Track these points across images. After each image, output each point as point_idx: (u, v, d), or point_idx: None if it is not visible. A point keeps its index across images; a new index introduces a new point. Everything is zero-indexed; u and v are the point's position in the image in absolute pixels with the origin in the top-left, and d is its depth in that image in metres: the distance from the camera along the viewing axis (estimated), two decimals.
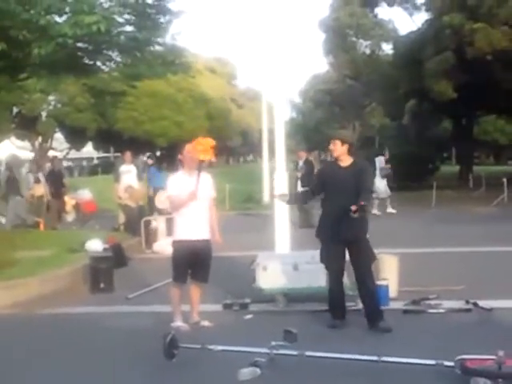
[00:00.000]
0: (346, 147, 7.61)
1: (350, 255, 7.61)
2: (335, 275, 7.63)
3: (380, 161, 22.02)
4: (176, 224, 7.91)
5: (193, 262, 7.79)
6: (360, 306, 7.90)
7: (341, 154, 7.62)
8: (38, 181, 19.07)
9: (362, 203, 7.09)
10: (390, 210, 21.64)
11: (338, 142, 7.61)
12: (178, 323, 7.73)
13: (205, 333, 7.46)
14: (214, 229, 7.91)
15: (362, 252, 7.56)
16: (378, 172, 21.62)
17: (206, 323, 7.86)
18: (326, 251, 7.61)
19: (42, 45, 11.69)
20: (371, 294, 7.68)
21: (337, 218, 7.39)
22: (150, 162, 19.45)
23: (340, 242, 7.50)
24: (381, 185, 21.42)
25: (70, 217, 19.69)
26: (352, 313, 7.89)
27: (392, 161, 23.16)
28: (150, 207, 17.25)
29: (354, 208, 7.01)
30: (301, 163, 18.42)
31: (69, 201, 19.83)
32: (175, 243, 7.90)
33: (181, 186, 7.68)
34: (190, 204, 7.60)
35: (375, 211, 20.86)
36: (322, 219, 7.76)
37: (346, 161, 7.63)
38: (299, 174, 18.04)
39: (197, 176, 7.59)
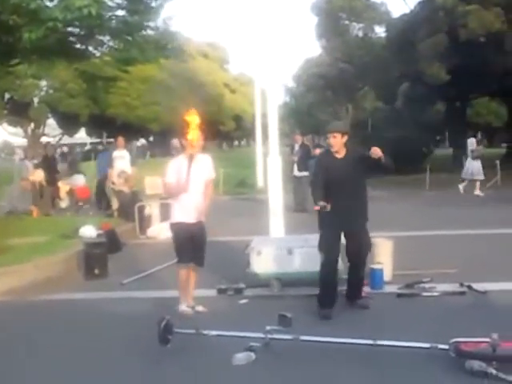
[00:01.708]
0: (345, 139, 7.58)
1: (349, 243, 7.60)
2: (332, 265, 7.56)
3: (471, 143, 22.04)
4: (173, 206, 7.84)
5: (191, 245, 7.77)
6: None
7: (341, 146, 7.58)
8: (37, 166, 19.07)
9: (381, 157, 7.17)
10: (477, 192, 21.13)
11: (339, 135, 7.55)
12: (183, 307, 7.72)
13: (199, 318, 7.46)
14: (203, 208, 7.78)
15: (361, 242, 7.59)
16: (469, 153, 21.65)
17: (200, 308, 7.85)
18: (326, 241, 7.55)
19: (33, 29, 11.57)
20: (359, 281, 7.86)
21: (338, 209, 7.36)
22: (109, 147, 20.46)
23: (340, 232, 7.50)
24: (472, 166, 21.42)
25: (63, 203, 19.64)
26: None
27: (385, 144, 23.14)
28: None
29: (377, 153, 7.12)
30: (297, 147, 18.32)
31: (63, 187, 19.78)
32: (173, 225, 7.84)
33: (181, 171, 7.62)
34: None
35: (478, 192, 20.92)
36: (323, 212, 7.68)
37: (342, 152, 7.61)
38: (295, 158, 17.98)
39: (188, 167, 7.54)
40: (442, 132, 54.65)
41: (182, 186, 7.53)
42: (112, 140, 33.16)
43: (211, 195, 7.97)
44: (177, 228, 7.78)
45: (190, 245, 7.75)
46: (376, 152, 7.15)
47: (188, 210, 7.63)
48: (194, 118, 7.67)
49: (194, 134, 7.64)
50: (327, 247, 7.53)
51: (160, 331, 6.22)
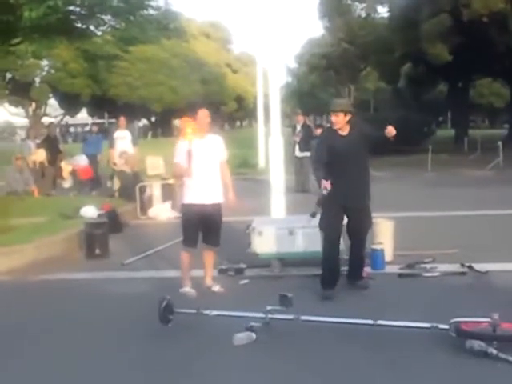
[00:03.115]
0: (347, 117, 7.52)
1: (350, 220, 7.59)
2: (334, 243, 7.53)
3: None
4: (185, 187, 7.76)
5: (203, 226, 7.73)
6: None
7: (343, 124, 7.52)
8: (39, 146, 19.07)
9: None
10: None
11: (341, 114, 7.48)
12: (186, 289, 7.69)
13: (200, 298, 7.45)
14: (228, 189, 7.79)
15: (362, 220, 7.58)
16: None
17: (216, 288, 7.83)
18: (327, 219, 7.50)
19: (33, 7, 11.55)
20: (360, 261, 7.84)
21: (340, 186, 7.34)
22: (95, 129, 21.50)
23: (342, 209, 7.46)
24: None
25: (66, 183, 19.63)
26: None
27: (387, 124, 23.01)
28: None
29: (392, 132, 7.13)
30: (298, 127, 18.20)
31: (65, 167, 19.76)
32: (183, 206, 7.79)
33: (193, 151, 7.55)
34: (198, 168, 7.52)
35: None
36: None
37: (346, 129, 7.56)
38: (297, 139, 17.88)
39: (188, 153, 7.49)
40: (444, 113, 54.59)
41: (185, 170, 7.51)
42: (114, 120, 33.19)
43: (228, 175, 7.93)
44: (185, 209, 7.75)
45: (197, 228, 7.71)
46: (391, 132, 7.15)
47: (200, 191, 7.58)
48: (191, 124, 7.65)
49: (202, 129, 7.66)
50: (329, 225, 7.49)
51: (160, 311, 6.24)
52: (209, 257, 7.92)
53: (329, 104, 7.89)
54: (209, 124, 7.75)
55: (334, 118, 7.52)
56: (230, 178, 7.99)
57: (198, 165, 7.54)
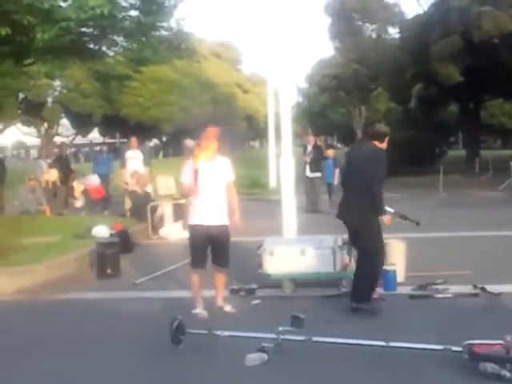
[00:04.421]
0: None
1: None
2: (378, 257, 7.63)
3: None
4: (192, 208, 7.81)
5: (211, 247, 7.75)
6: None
7: None
8: (52, 166, 19.16)
9: None
10: None
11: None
12: (198, 310, 7.67)
13: (212, 318, 7.44)
14: (234, 211, 7.81)
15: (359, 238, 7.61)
16: None
17: (228, 309, 7.82)
18: (374, 233, 7.59)
19: (46, 29, 11.64)
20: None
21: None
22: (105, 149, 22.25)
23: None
24: None
25: (78, 202, 19.69)
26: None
27: (398, 145, 22.99)
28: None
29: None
30: (309, 148, 18.14)
31: (77, 187, 19.84)
32: (190, 227, 7.84)
33: (201, 172, 7.59)
34: (205, 189, 7.55)
35: None
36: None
37: None
38: (308, 159, 17.83)
39: (195, 172, 7.53)
40: (455, 133, 54.51)
41: (190, 189, 7.55)
42: (125, 140, 33.36)
43: (235, 197, 7.94)
44: (192, 230, 7.77)
45: (204, 249, 7.71)
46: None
47: (205, 212, 7.60)
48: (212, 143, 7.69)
49: (210, 148, 7.67)
50: (376, 238, 7.55)
51: (172, 331, 6.22)
52: (219, 278, 7.91)
53: (380, 128, 7.95)
54: (218, 143, 7.75)
55: (385, 143, 7.68)
56: (237, 199, 7.99)
57: (204, 186, 7.57)
